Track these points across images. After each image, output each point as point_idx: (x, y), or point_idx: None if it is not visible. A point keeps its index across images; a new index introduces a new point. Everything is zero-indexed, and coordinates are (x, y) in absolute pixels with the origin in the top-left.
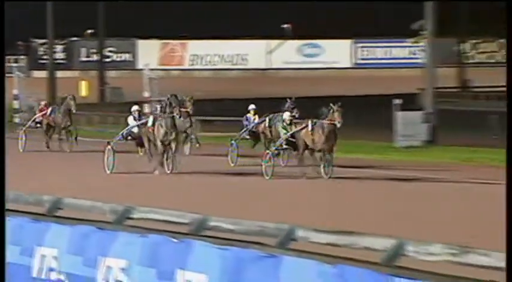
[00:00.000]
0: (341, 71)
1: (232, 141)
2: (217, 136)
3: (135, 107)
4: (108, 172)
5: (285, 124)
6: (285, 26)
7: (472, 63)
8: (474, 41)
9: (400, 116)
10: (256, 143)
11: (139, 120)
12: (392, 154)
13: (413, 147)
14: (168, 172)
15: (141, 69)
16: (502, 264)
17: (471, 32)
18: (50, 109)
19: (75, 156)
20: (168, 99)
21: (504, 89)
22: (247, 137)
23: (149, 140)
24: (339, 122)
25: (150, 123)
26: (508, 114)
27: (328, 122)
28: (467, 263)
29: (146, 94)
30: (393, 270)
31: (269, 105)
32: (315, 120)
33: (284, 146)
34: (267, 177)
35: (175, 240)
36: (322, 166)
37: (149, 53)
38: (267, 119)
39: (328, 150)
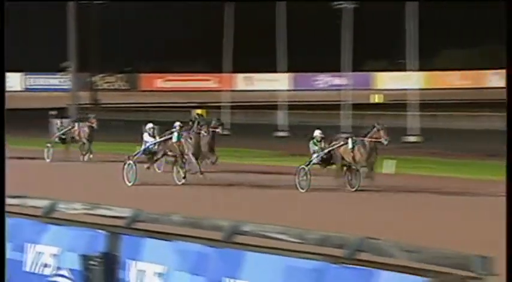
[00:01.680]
0: (14, 94)
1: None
2: None
3: (150, 125)
4: (129, 184)
5: (315, 141)
6: None
7: (100, 89)
8: (101, 75)
9: (55, 122)
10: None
11: (153, 136)
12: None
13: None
14: (180, 183)
15: None
16: (120, 214)
17: (99, 69)
18: None
19: None
20: (196, 118)
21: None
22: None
23: (173, 154)
24: (385, 140)
25: (175, 139)
26: (507, 116)
27: (372, 139)
28: (97, 214)
29: None
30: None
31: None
32: (354, 138)
33: (316, 161)
34: (302, 190)
35: None
36: (353, 179)
37: None
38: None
39: (369, 165)
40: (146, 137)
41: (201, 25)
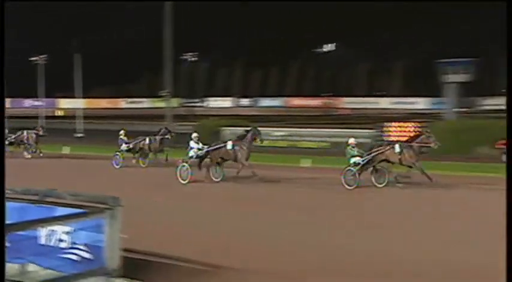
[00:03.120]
0: None
1: (117, 153)
2: None
3: (195, 134)
4: (184, 182)
5: (351, 147)
6: None
7: None
8: None
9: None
10: (140, 155)
11: (197, 143)
12: None
13: None
14: (217, 180)
15: None
16: None
17: None
18: None
19: None
20: (251, 130)
21: None
22: (125, 150)
23: (224, 159)
24: (435, 145)
25: (229, 147)
26: (507, 116)
27: (421, 144)
28: None
29: None
30: None
31: None
32: (400, 143)
33: (363, 163)
34: (350, 188)
35: None
36: (381, 177)
37: None
38: (147, 139)
39: (419, 166)
40: (192, 143)
41: None
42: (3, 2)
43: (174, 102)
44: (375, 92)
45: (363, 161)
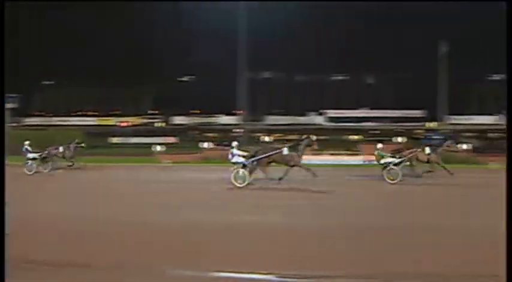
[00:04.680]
0: None
1: (28, 160)
2: None
3: (235, 143)
4: (240, 186)
5: (380, 150)
6: None
7: None
8: None
9: None
10: (51, 162)
11: (239, 151)
12: None
13: None
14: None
15: None
16: None
17: None
18: None
19: None
20: (305, 138)
21: None
22: (38, 158)
23: (274, 162)
24: (457, 148)
25: (286, 152)
26: (507, 114)
27: (446, 148)
28: None
29: None
30: None
31: None
32: (428, 147)
33: (397, 162)
34: (392, 182)
35: None
36: (423, 172)
37: None
38: (61, 148)
39: (442, 165)
40: (235, 151)
41: None
42: (3, 2)
43: None
44: None
45: (399, 159)
